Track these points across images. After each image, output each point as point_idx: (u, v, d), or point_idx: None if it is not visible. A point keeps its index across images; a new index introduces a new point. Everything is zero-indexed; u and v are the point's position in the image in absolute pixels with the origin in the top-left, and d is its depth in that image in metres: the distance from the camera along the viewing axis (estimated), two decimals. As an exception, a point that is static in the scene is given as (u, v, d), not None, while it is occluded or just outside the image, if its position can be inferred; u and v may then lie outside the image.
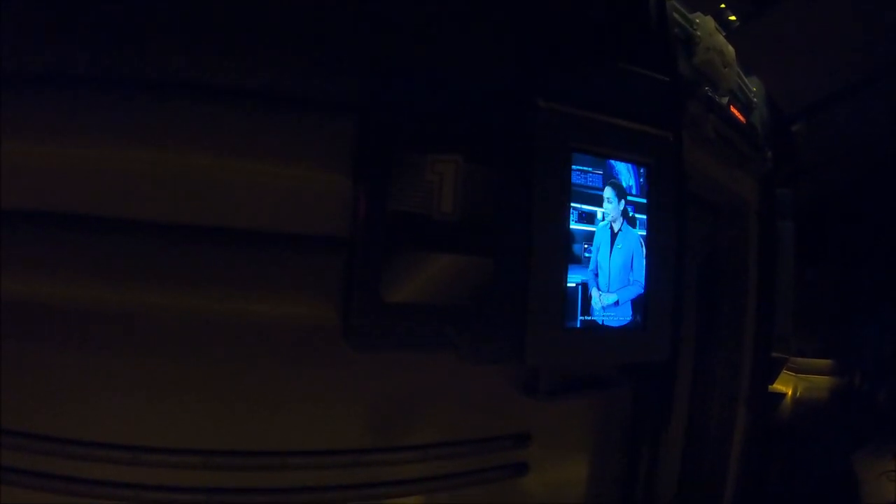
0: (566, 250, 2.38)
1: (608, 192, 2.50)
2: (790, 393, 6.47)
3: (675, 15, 3.23)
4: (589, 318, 2.44)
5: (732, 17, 3.95)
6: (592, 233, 2.45)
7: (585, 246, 2.43)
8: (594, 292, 2.46)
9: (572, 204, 2.40)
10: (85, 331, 2.18)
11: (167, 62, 2.16)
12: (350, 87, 2.22)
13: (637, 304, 2.59)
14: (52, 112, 2.11)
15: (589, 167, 2.45)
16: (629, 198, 2.57)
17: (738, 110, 3.73)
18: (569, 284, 2.38)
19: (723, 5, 3.91)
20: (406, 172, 2.16)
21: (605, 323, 2.50)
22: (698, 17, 3.39)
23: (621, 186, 2.54)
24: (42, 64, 2.13)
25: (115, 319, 2.16)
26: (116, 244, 2.12)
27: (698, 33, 3.34)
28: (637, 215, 2.59)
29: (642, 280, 2.60)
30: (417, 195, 2.17)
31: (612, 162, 2.52)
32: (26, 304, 2.12)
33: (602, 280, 2.48)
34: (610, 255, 2.51)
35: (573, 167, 2.41)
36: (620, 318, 2.54)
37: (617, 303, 2.53)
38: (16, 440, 2.17)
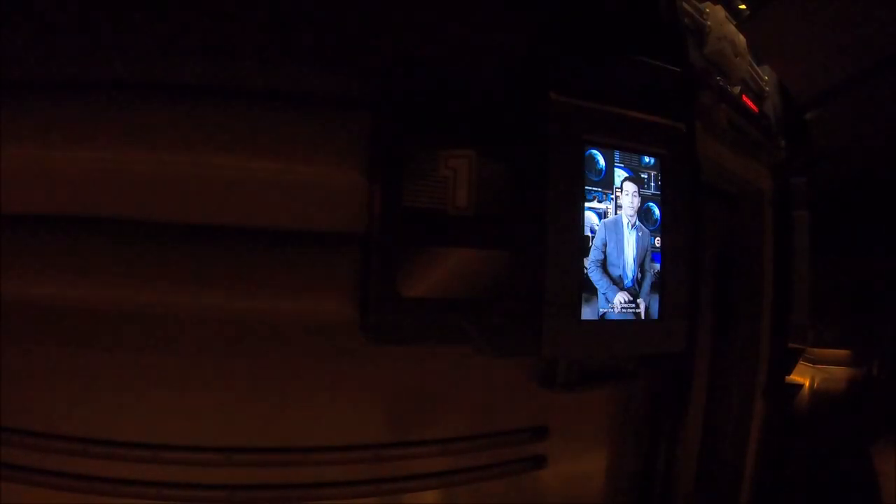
0: (581, 243, 2.37)
1: (627, 187, 2.49)
2: (807, 384, 6.41)
3: (686, 5, 3.21)
4: (604, 310, 2.44)
5: (743, 6, 3.91)
6: (606, 225, 2.45)
7: (603, 239, 2.43)
8: (608, 284, 2.45)
9: (585, 197, 2.40)
10: (106, 331, 2.22)
11: (183, 64, 2.18)
12: (363, 84, 2.23)
13: (651, 296, 2.58)
14: (72, 117, 2.14)
15: (601, 160, 2.45)
16: (641, 190, 2.56)
17: (751, 99, 3.71)
18: (584, 277, 2.38)
19: (732, -6, 3.88)
20: (420, 168, 2.18)
21: (621, 315, 2.49)
22: (708, 7, 3.37)
23: (640, 180, 2.53)
24: (63, 70, 2.16)
25: (136, 320, 2.20)
26: (138, 246, 2.15)
27: (709, 23, 3.33)
28: (651, 206, 2.58)
29: (655, 272, 2.59)
30: (432, 191, 2.18)
31: (623, 154, 2.52)
32: (51, 306, 2.16)
33: (615, 272, 2.48)
34: (624, 247, 2.50)
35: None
36: (635, 310, 2.54)
37: (632, 295, 2.53)
38: (38, 440, 2.22)
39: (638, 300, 2.54)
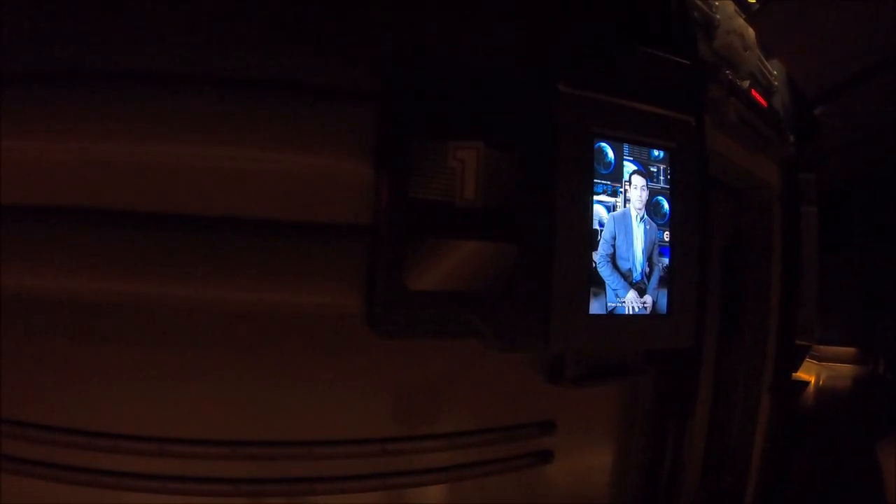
0: (590, 236, 2.35)
1: (636, 180, 2.47)
2: (813, 381, 6.40)
3: (696, -2, 3.19)
4: (613, 304, 2.42)
5: (752, 0, 3.89)
6: (615, 218, 2.43)
7: (612, 232, 2.41)
8: (617, 278, 2.44)
9: (594, 190, 2.38)
10: (111, 324, 2.21)
11: (188, 55, 2.17)
12: (370, 75, 2.21)
13: (659, 290, 2.56)
14: (77, 108, 2.13)
15: (610, 153, 2.43)
16: (650, 183, 2.54)
17: (760, 94, 3.69)
18: (593, 270, 2.36)
19: (742, -13, 3.85)
20: (428, 160, 2.15)
21: (629, 310, 2.47)
22: (718, 1, 3.35)
23: (649, 173, 2.51)
24: (69, 61, 2.15)
25: (142, 312, 2.19)
26: (143, 237, 2.13)
27: (718, 16, 3.31)
28: (660, 200, 2.57)
29: (664, 266, 2.57)
30: (440, 182, 2.16)
31: (632, 147, 2.49)
32: (55, 298, 2.15)
33: (624, 266, 2.46)
34: (633, 241, 2.48)
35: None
36: (644, 304, 2.52)
37: (640, 289, 2.51)
38: (44, 434, 2.21)
39: (646, 295, 2.52)
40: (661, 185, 2.57)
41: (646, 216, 2.52)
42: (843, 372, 6.70)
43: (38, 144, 2.14)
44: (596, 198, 2.37)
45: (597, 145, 2.38)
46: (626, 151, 2.47)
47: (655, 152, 2.55)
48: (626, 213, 2.46)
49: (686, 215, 2.63)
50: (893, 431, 5.51)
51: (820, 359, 6.54)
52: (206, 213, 2.16)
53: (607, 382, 2.70)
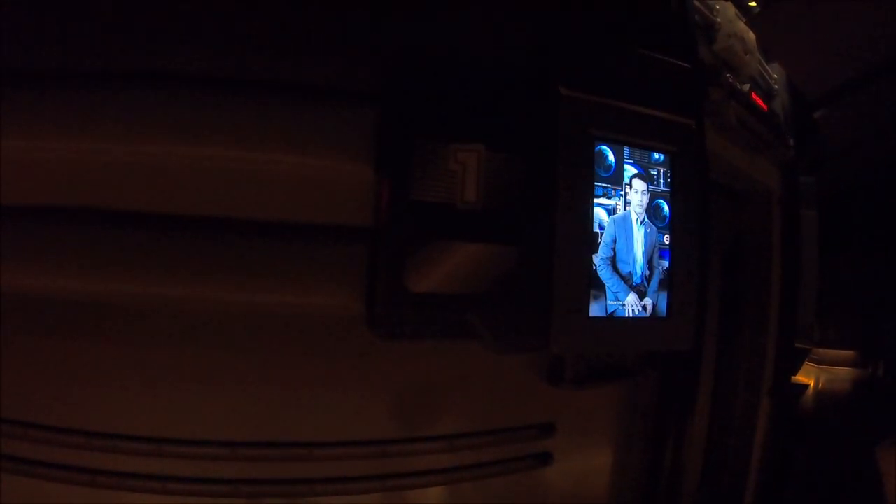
0: (590, 239, 2.36)
1: (637, 183, 2.47)
2: (812, 384, 6.40)
3: (696, 1, 3.20)
4: (613, 307, 2.42)
5: (753, 3, 3.89)
6: (615, 221, 2.43)
7: (612, 235, 2.41)
8: (617, 281, 2.44)
9: (594, 193, 2.38)
10: (112, 324, 2.21)
11: (190, 55, 2.17)
12: (372, 77, 2.21)
13: (659, 293, 2.56)
14: (80, 108, 2.13)
15: (611, 155, 2.43)
16: (651, 186, 2.54)
17: (760, 97, 3.69)
18: (593, 273, 2.36)
19: (743, -9, 3.86)
20: (429, 162, 2.16)
21: (629, 312, 2.47)
22: (718, 4, 3.36)
23: (650, 177, 2.51)
24: (70, 60, 2.15)
25: (142, 312, 2.19)
26: (144, 238, 2.14)
27: (719, 20, 3.32)
28: (660, 203, 2.57)
29: (664, 269, 2.57)
30: (441, 184, 2.16)
31: (633, 150, 2.50)
32: (56, 298, 2.15)
33: (625, 269, 2.46)
34: (633, 244, 2.48)
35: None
36: (644, 307, 2.52)
37: (640, 292, 2.51)
38: (44, 434, 2.20)
39: (646, 297, 2.52)
40: (662, 188, 2.57)
41: (646, 219, 2.52)
42: (843, 375, 6.71)
43: (38, 144, 2.14)
44: (596, 200, 2.37)
45: (597, 148, 2.39)
46: (626, 154, 2.47)
47: (656, 155, 2.56)
48: (627, 216, 2.46)
49: (686, 218, 2.64)
50: (893, 434, 5.51)
51: (819, 362, 6.55)
52: (206, 214, 2.17)
53: (607, 384, 2.70)
